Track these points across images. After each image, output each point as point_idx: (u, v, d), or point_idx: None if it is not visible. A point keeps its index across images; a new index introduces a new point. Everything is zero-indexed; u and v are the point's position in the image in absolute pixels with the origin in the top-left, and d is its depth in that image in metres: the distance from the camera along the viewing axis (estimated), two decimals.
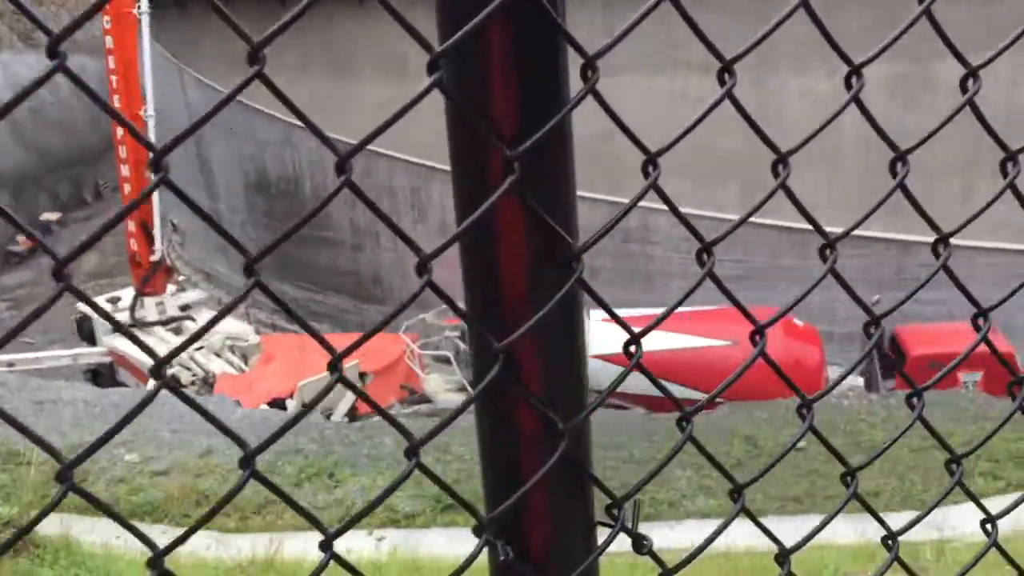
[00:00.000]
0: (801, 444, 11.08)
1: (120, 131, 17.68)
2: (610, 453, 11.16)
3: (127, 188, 18.22)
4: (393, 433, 12.11)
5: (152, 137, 17.88)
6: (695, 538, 9.74)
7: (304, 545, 9.47)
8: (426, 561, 8.99)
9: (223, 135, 22.29)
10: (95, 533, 8.99)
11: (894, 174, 1.46)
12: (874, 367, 13.85)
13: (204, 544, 9.66)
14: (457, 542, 9.34)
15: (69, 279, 0.91)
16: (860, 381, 14.32)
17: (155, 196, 18.11)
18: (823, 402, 14.30)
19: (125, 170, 18.18)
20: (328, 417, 13.88)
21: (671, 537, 9.26)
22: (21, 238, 29.81)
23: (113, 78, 17.53)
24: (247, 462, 1.05)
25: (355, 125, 18.63)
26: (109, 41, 17.40)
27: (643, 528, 1.23)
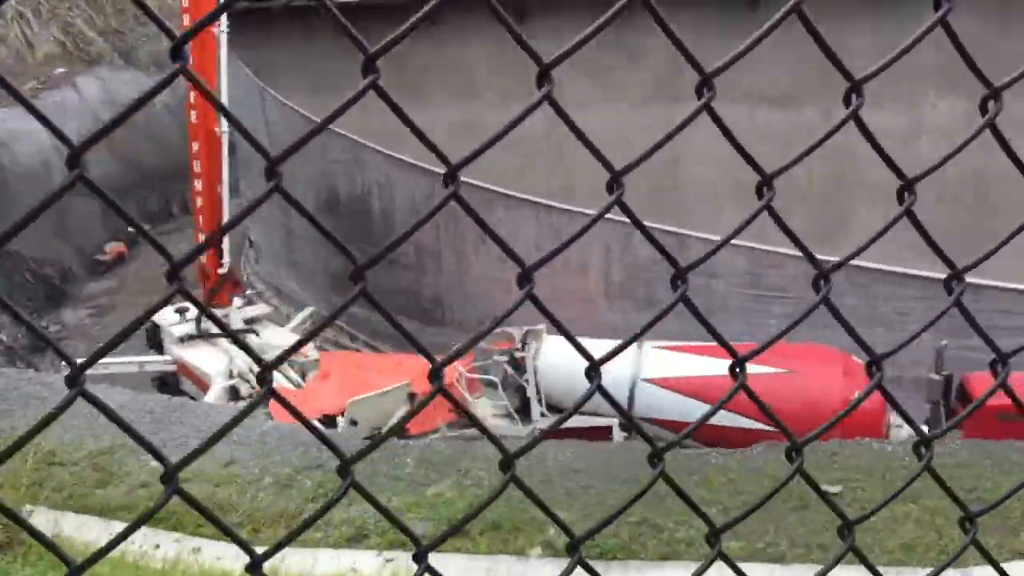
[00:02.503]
0: (835, 489, 10.68)
1: (195, 146, 18.10)
2: (618, 487, 10.76)
3: (199, 201, 18.60)
4: (414, 455, 11.99)
5: (225, 154, 18.24)
6: None
7: (311, 560, 9.45)
8: None
9: (297, 155, 22.62)
10: (85, 532, 9.05)
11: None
12: (939, 415, 13.47)
13: (215, 554, 9.77)
14: (466, 570, 9.17)
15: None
16: (924, 429, 13.94)
17: (224, 210, 18.47)
18: (866, 448, 13.54)
19: (199, 184, 18.58)
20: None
21: None
22: (108, 247, 30.54)
23: (192, 94, 17.98)
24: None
25: (422, 147, 18.80)
26: (190, 58, 17.85)
27: (658, 567, 1.20)
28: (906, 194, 1.35)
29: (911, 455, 11.57)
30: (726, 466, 11.47)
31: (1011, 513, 9.94)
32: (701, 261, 1.27)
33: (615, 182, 1.18)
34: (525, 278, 1.08)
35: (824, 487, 9.60)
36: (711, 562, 1.30)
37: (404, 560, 9.71)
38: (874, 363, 1.40)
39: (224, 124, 17.66)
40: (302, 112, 21.50)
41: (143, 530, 10.25)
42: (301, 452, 12.04)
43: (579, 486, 10.87)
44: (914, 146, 14.40)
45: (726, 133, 1.15)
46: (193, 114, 17.96)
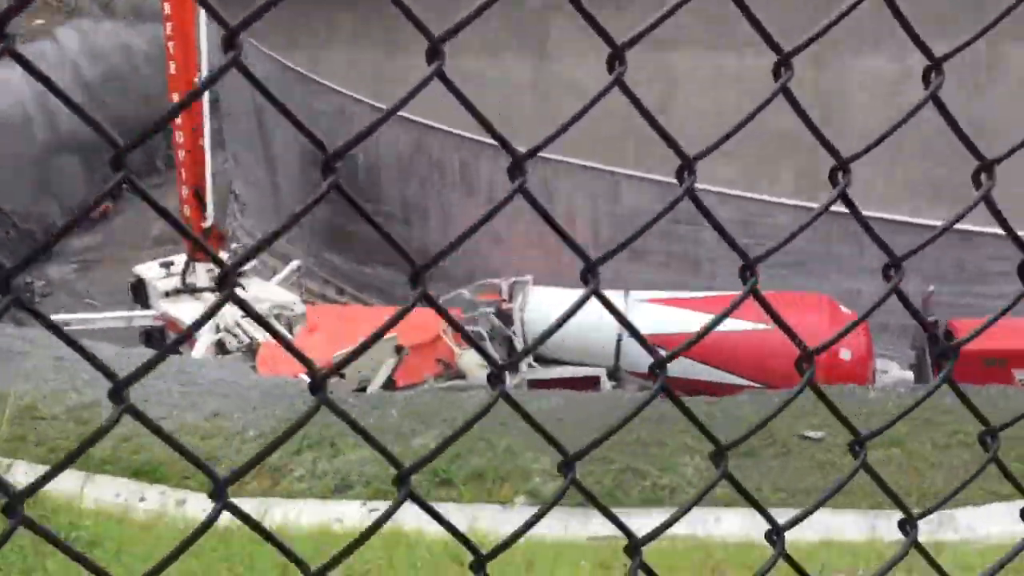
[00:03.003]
0: (817, 435, 10.72)
1: (176, 98, 17.88)
2: (620, 435, 10.98)
3: (182, 154, 18.43)
4: (399, 406, 12.04)
5: (206, 106, 18.02)
6: (694, 527, 9.18)
7: (295, 511, 9.49)
8: (410, 535, 8.82)
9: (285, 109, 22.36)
10: (65, 486, 9.02)
11: (977, 184, 1.43)
12: (925, 361, 13.58)
13: (201, 506, 9.69)
14: (449, 517, 9.19)
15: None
16: (910, 375, 14.04)
17: (208, 163, 18.32)
18: (848, 393, 13.56)
19: (180, 136, 18.40)
20: (364, 389, 13.97)
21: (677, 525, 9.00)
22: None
23: (170, 44, 17.70)
24: (116, 395, 1.05)
25: (413, 98, 18.62)
26: (167, 8, 17.56)
27: (641, 514, 1.20)
28: (840, 174, 1.33)
29: (893, 400, 11.67)
30: (710, 414, 11.55)
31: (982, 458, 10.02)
32: (526, 152, 1.25)
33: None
34: (328, 167, 1.05)
35: (807, 433, 9.58)
36: (715, 482, 1.30)
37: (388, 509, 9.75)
38: (748, 268, 1.37)
39: (205, 74, 17.43)
40: (283, 62, 21.23)
41: (127, 483, 10.26)
42: (287, 405, 12.07)
43: (562, 435, 10.91)
44: (904, 91, 14.35)
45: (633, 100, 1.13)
46: (172, 65, 17.70)
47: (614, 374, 14.23)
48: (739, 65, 15.71)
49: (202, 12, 17.47)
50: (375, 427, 11.42)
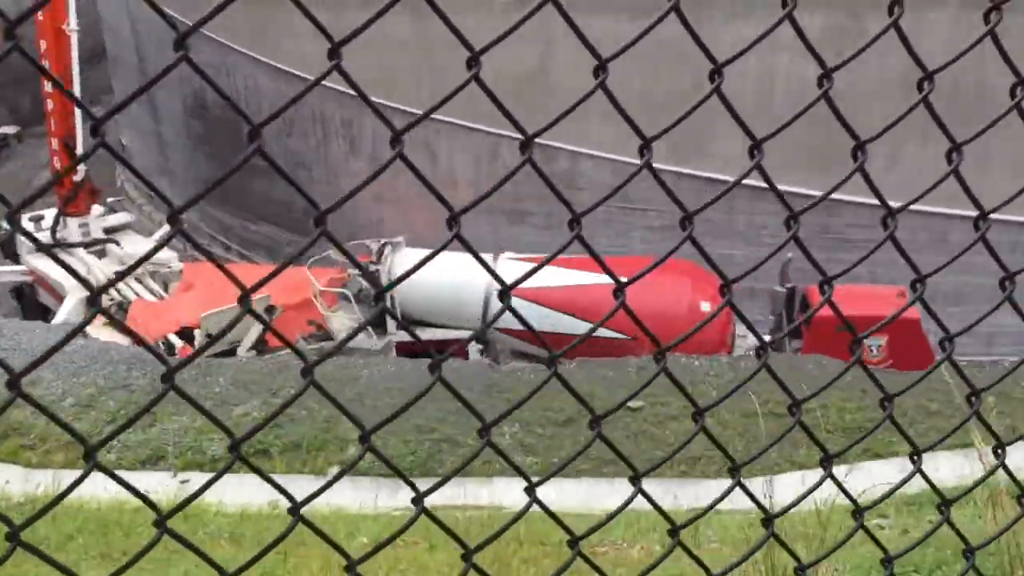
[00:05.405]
0: (636, 404, 10.74)
1: (43, 44, 17.03)
2: (441, 404, 10.55)
3: (50, 104, 17.60)
4: (228, 374, 11.80)
5: (75, 53, 17.21)
6: (501, 497, 9.20)
7: (98, 483, 9.10)
8: (209, 506, 8.41)
9: (165, 57, 21.54)
10: None
11: (853, 156, 1.52)
12: (782, 327, 14.03)
13: (3, 478, 9.40)
14: (258, 490, 8.39)
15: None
16: (766, 339, 14.53)
17: (78, 114, 17.54)
18: (673, 362, 13.45)
19: (48, 86, 17.57)
20: (234, 351, 13.73)
21: (479, 494, 8.89)
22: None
23: None
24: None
25: (291, 52, 18.20)
26: None
27: (453, 483, 1.25)
28: (716, 77, 1.42)
29: (715, 368, 11.85)
30: (537, 383, 11.55)
31: (828, 425, 10.22)
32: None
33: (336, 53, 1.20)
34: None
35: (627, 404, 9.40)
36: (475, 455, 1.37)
37: (201, 480, 9.40)
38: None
39: (73, 22, 16.64)
40: (165, 10, 20.42)
41: None
42: (108, 372, 11.61)
43: (388, 404, 10.70)
44: (771, 59, 14.72)
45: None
46: (40, 13, 16.82)
47: (483, 335, 14.25)
48: (616, 28, 15.86)
49: None
50: (199, 395, 10.86)
